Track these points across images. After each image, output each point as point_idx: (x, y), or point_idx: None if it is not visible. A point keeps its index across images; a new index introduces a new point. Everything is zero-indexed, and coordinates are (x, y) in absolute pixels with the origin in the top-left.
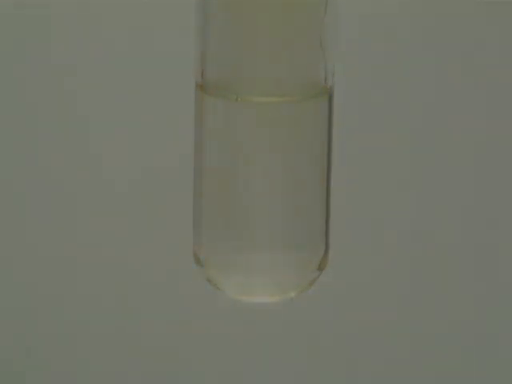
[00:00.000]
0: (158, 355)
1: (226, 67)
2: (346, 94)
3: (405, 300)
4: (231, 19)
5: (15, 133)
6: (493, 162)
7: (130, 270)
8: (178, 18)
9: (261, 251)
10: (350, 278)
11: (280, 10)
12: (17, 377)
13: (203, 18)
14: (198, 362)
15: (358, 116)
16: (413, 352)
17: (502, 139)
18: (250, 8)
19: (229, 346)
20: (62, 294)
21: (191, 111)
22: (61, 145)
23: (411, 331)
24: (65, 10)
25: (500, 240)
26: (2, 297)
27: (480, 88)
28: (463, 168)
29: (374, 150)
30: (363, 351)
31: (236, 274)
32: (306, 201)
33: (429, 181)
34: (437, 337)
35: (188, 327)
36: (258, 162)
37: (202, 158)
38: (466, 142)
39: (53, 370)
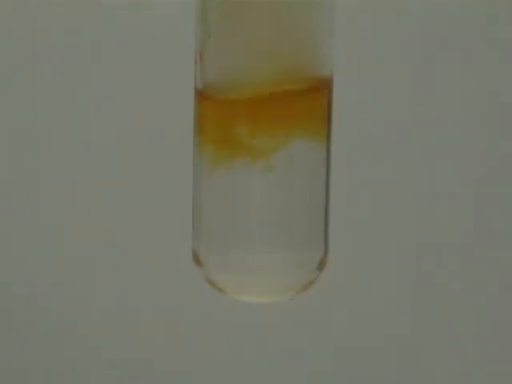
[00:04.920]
0: (158, 355)
1: (226, 68)
2: (346, 91)
3: (405, 300)
4: (231, 20)
5: (16, 124)
6: (493, 163)
7: (129, 269)
8: (178, 18)
9: (261, 251)
10: (349, 278)
11: (280, 11)
12: (15, 377)
13: (203, 17)
14: (198, 361)
15: (358, 115)
16: (413, 352)
17: (502, 139)
18: (250, 8)
19: (229, 346)
20: (61, 293)
21: (191, 113)
22: (59, 145)
23: (411, 331)
24: (65, 11)
25: (501, 240)
26: (2, 295)
27: (480, 88)
28: (464, 168)
29: (374, 150)
30: (363, 351)
31: (236, 274)
32: (306, 201)
33: (429, 181)
34: (437, 336)
35: (188, 327)
36: (258, 162)
37: (202, 158)
38: (467, 141)
39: (51, 370)
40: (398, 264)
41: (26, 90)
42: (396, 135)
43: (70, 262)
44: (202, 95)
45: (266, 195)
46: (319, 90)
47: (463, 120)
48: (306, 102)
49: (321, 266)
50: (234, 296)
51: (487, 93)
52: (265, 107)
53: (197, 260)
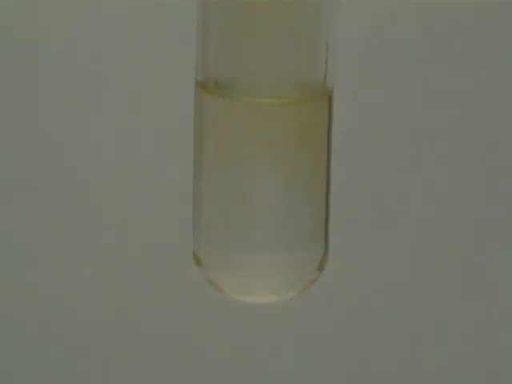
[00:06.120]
0: (158, 355)
1: (226, 67)
2: (346, 94)
3: (405, 300)
4: (231, 19)
5: (16, 123)
6: (494, 162)
7: (129, 269)
8: (178, 18)
9: (261, 251)
10: (349, 278)
11: (280, 10)
12: (13, 376)
13: (204, 17)
14: (197, 362)
15: (358, 116)
16: (413, 352)
17: (502, 139)
18: (250, 8)
19: (229, 346)
20: (60, 293)
21: (191, 111)
22: (58, 144)
23: (411, 331)
24: (65, 9)
25: (502, 240)
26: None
27: (481, 89)
28: (464, 168)
29: (373, 150)
30: (363, 351)
31: (236, 274)
32: (306, 201)
33: (429, 181)
34: (437, 337)
35: (188, 327)
36: (258, 161)
37: (202, 158)
38: (467, 141)
39: (51, 370)
40: (398, 264)
41: (25, 88)
42: (396, 136)
43: (69, 262)
44: (202, 92)
45: (266, 195)
46: (321, 98)
47: (463, 120)
48: (308, 105)
49: (321, 266)
50: (234, 296)
51: (487, 92)
52: (266, 109)
53: (197, 260)
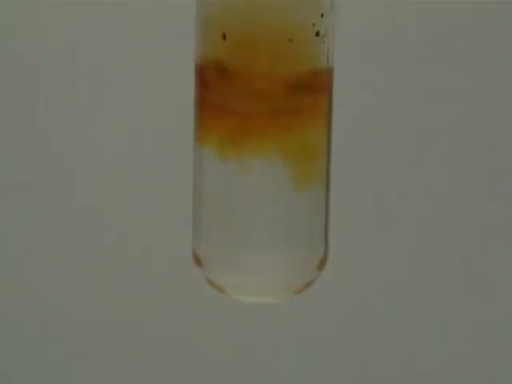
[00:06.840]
0: (158, 355)
1: (226, 61)
2: (346, 94)
3: (405, 300)
4: (230, 17)
5: (17, 123)
6: (493, 162)
7: (129, 269)
8: (178, 18)
9: (260, 251)
10: (349, 278)
11: (279, 9)
12: (13, 376)
13: (203, 17)
14: (198, 362)
15: (358, 116)
16: (413, 352)
17: (502, 139)
18: (249, 7)
19: (229, 346)
20: (60, 293)
21: (191, 110)
22: (59, 144)
23: (411, 331)
24: (65, 10)
25: (502, 239)
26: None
27: (481, 89)
28: (464, 167)
29: (373, 150)
30: (363, 351)
31: (236, 274)
32: (306, 201)
33: (429, 180)
34: (437, 337)
35: (188, 327)
36: (258, 161)
37: (202, 158)
38: (467, 141)
39: (52, 370)
40: (398, 264)
41: (25, 88)
42: (396, 135)
43: (69, 262)
44: (202, 91)
45: (266, 195)
46: (320, 89)
47: (463, 120)
48: (307, 101)
49: (321, 265)
50: (234, 296)
51: (487, 92)
52: (266, 111)
53: (197, 260)
